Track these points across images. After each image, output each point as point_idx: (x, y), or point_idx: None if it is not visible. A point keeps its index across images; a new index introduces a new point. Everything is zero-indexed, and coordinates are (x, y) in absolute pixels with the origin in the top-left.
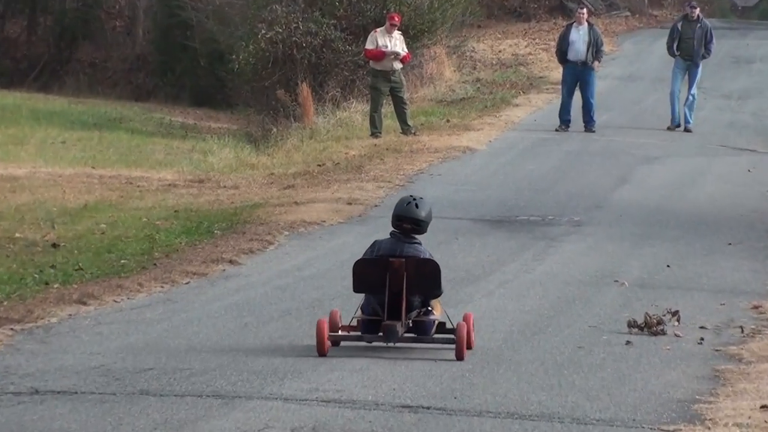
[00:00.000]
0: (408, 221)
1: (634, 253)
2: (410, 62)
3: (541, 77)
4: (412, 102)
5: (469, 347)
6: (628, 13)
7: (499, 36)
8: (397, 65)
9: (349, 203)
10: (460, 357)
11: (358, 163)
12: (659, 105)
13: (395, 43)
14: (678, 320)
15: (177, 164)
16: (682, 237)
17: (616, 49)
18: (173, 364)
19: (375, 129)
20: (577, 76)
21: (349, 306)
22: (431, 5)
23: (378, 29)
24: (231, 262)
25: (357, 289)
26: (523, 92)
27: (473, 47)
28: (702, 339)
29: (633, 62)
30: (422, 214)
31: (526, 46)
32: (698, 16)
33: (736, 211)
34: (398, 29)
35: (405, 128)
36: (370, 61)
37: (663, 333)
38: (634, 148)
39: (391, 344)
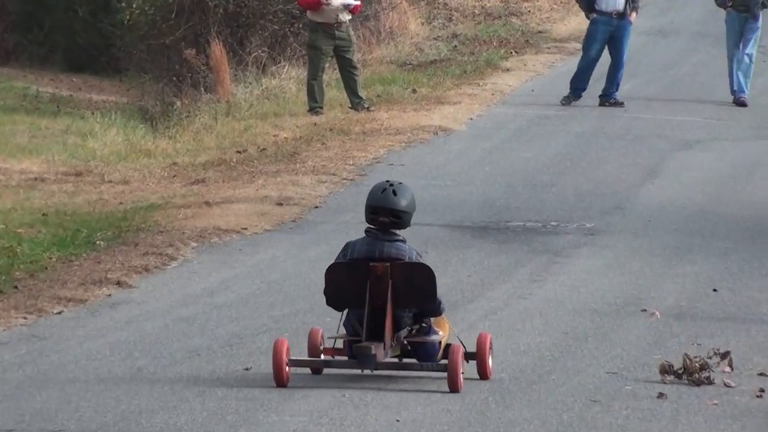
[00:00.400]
0: (385, 213)
1: (669, 273)
2: (362, 12)
3: (540, 32)
4: (365, 66)
5: (484, 377)
6: None
7: None
8: (345, 16)
9: (280, 204)
10: (453, 388)
11: (291, 150)
12: (701, 69)
13: None
14: (729, 364)
15: (46, 151)
16: (734, 250)
17: None
18: (40, 425)
19: (315, 103)
20: (610, 32)
21: (298, 337)
22: None
23: None
24: (119, 284)
25: (330, 302)
26: (516, 52)
27: None
28: (762, 391)
29: (665, 11)
30: (402, 203)
31: None
32: None
33: None
34: None
35: (355, 101)
36: (307, 11)
37: (709, 382)
38: (667, 128)
39: (367, 372)
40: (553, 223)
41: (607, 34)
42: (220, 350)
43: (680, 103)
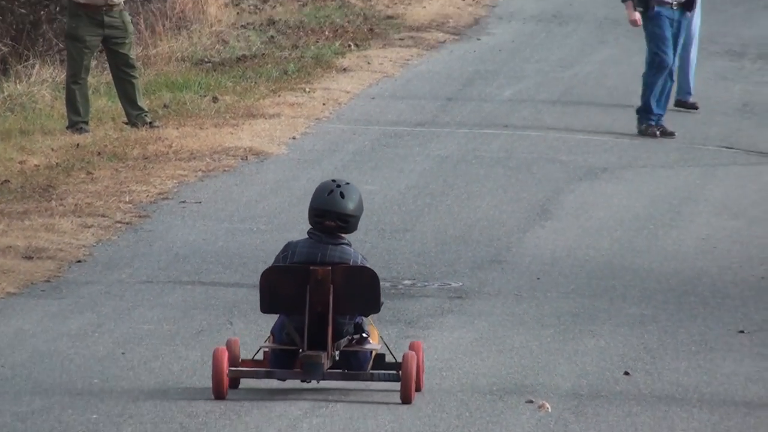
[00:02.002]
0: (332, 217)
1: (564, 350)
2: None
3: (389, 17)
4: (146, 65)
5: (417, 388)
6: None
7: None
8: None
9: (28, 257)
10: (406, 399)
11: (44, 182)
12: (611, 69)
13: None
14: None
15: None
16: (652, 319)
17: None
18: None
19: (77, 116)
20: (674, 24)
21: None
22: None
23: None
24: None
25: (266, 308)
26: (357, 45)
27: None
28: None
29: None
30: (350, 206)
31: None
32: None
33: (752, 271)
34: None
35: (134, 114)
36: None
37: None
38: (564, 150)
39: (313, 382)
40: (406, 282)
41: (671, 27)
42: None
43: (582, 116)
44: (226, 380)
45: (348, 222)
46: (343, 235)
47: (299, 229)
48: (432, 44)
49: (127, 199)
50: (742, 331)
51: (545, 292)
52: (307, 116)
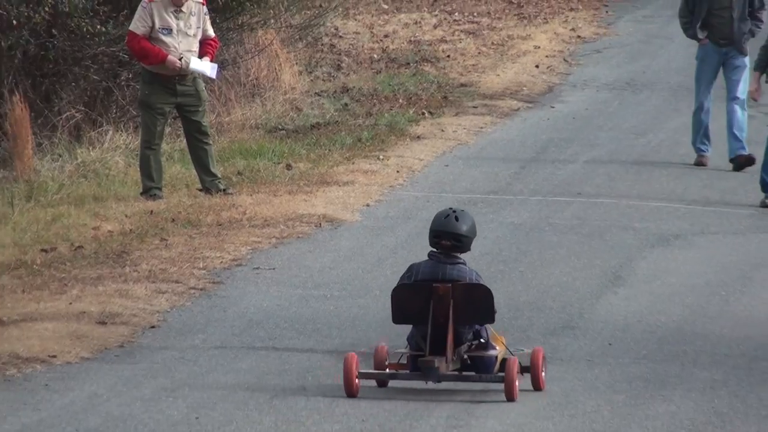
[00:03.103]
0: (448, 237)
1: (636, 415)
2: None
3: (463, 85)
4: (219, 131)
5: (537, 388)
6: None
7: (386, 6)
8: (196, 65)
9: (102, 323)
10: (509, 397)
11: (118, 248)
12: (684, 136)
13: (189, 23)
14: None
15: None
16: (723, 384)
17: (603, 31)
18: None
19: (151, 182)
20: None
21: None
22: None
23: None
24: None
25: (396, 320)
26: (431, 113)
27: (336, 28)
28: None
29: (635, 56)
30: (464, 228)
31: (436, 26)
32: None
33: None
34: None
35: (208, 180)
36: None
37: None
38: (636, 217)
39: (432, 384)
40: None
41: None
42: None
43: (654, 183)
44: (356, 382)
45: (462, 242)
46: (458, 255)
47: (373, 295)
48: (506, 112)
49: (201, 266)
50: None
51: (617, 357)
52: (381, 184)
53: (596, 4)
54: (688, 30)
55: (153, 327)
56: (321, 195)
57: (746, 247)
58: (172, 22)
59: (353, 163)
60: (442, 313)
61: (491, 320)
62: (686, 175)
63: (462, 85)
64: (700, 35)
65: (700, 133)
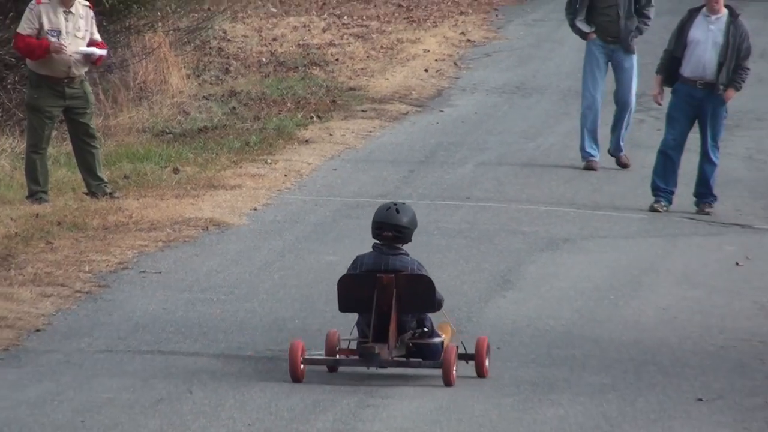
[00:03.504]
0: (389, 228)
1: (524, 419)
2: (106, 61)
3: (352, 89)
4: (106, 135)
5: (481, 375)
6: None
7: (275, 9)
8: (80, 69)
9: None
10: (447, 383)
11: (3, 251)
12: (575, 140)
13: (78, 25)
14: None
15: None
16: (612, 388)
17: (493, 35)
18: None
19: (36, 186)
20: (696, 107)
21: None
22: None
23: None
24: None
25: (343, 308)
26: (319, 117)
27: (224, 31)
28: None
29: (525, 60)
30: (404, 219)
31: (325, 30)
32: None
33: (711, 340)
34: None
35: (94, 184)
36: (27, 60)
37: None
38: (526, 221)
39: (374, 369)
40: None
41: (693, 110)
42: None
43: (544, 187)
44: (300, 368)
45: (402, 233)
46: (400, 246)
47: (260, 299)
48: (394, 116)
49: (87, 269)
50: (700, 400)
51: (505, 361)
52: (269, 187)
53: (486, 8)
54: (574, 26)
55: (38, 330)
56: (208, 199)
57: (635, 251)
58: (62, 23)
59: (241, 167)
60: (386, 302)
61: (433, 309)
62: (576, 179)
63: (351, 89)
64: (586, 29)
65: (588, 136)
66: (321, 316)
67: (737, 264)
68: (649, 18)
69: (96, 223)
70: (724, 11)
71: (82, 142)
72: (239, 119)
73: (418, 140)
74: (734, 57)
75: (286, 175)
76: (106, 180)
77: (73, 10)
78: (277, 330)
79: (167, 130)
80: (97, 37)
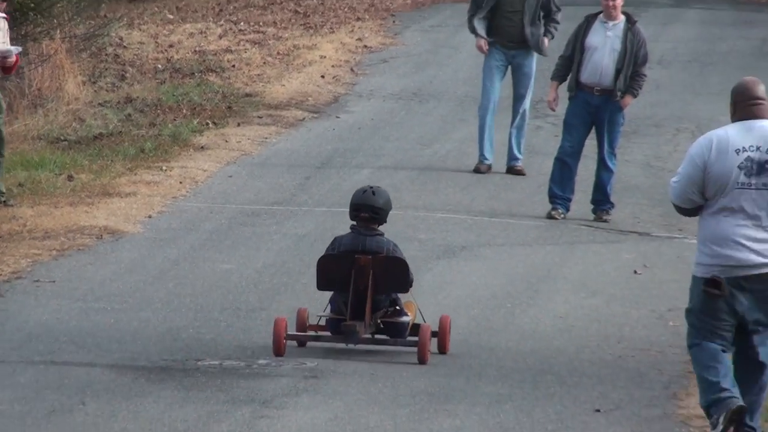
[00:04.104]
0: (366, 209)
1: (420, 429)
2: (19, 68)
3: (248, 95)
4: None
5: (443, 351)
6: None
7: (171, 16)
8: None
9: None
10: (422, 361)
11: None
12: (472, 146)
13: None
14: None
15: None
16: (509, 397)
17: (390, 41)
18: None
19: None
20: (593, 114)
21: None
22: None
23: None
24: None
25: (321, 286)
26: (215, 124)
27: (120, 38)
28: None
29: (422, 66)
30: (380, 201)
31: (221, 36)
32: None
33: (609, 349)
34: (4, 9)
35: None
36: None
37: None
38: (422, 228)
39: (351, 346)
40: (261, 362)
41: (589, 117)
42: None
43: (441, 194)
44: (283, 343)
45: (378, 214)
46: (376, 227)
47: (154, 307)
48: (291, 122)
49: None
50: (598, 410)
51: (400, 371)
52: (164, 195)
53: (383, 14)
54: (471, 23)
55: None
56: (103, 206)
57: (532, 259)
58: None
59: (136, 174)
60: (363, 282)
61: (406, 290)
62: (473, 186)
63: (247, 95)
64: (481, 32)
65: (485, 139)
66: (216, 325)
67: (635, 272)
68: (557, 23)
69: None
70: (622, 18)
71: None
72: (135, 126)
73: (315, 147)
74: (632, 64)
75: (181, 183)
76: (3, 191)
77: None
78: (171, 339)
79: (62, 138)
80: (10, 46)
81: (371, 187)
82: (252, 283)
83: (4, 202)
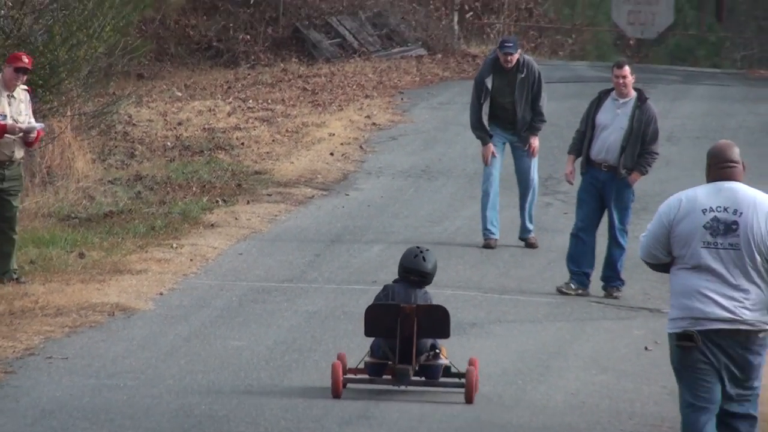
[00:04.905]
0: (415, 274)
1: None
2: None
3: (257, 173)
4: None
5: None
6: (424, 51)
7: (180, 93)
8: (20, 152)
9: None
10: (469, 400)
11: None
12: (479, 223)
13: (19, 109)
14: None
15: None
16: None
17: (399, 118)
18: None
19: None
20: (601, 190)
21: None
22: (51, 39)
23: None
24: None
25: (369, 333)
26: (225, 201)
27: (129, 116)
28: None
29: (431, 143)
30: (429, 267)
31: (230, 114)
32: (520, 61)
33: (620, 425)
34: (24, 81)
35: (2, 270)
36: None
37: None
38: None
39: (402, 387)
40: None
41: (598, 193)
42: None
43: (451, 271)
44: (340, 384)
45: (425, 278)
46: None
47: (166, 384)
48: (300, 200)
49: None
50: None
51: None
52: (175, 272)
53: (391, 91)
54: (479, 122)
55: None
56: (114, 283)
57: (543, 335)
58: (5, 107)
59: (147, 252)
60: (408, 329)
61: (447, 335)
62: (483, 263)
63: (256, 172)
64: (487, 132)
65: (488, 215)
66: (228, 402)
67: (646, 348)
68: (542, 114)
69: (1, 309)
70: (633, 94)
71: (6, 225)
72: (145, 203)
73: (324, 224)
74: (638, 141)
75: (191, 260)
76: (13, 265)
77: (15, 94)
78: (184, 416)
79: (73, 215)
80: (34, 120)
81: (421, 252)
82: (263, 359)
83: (17, 279)
